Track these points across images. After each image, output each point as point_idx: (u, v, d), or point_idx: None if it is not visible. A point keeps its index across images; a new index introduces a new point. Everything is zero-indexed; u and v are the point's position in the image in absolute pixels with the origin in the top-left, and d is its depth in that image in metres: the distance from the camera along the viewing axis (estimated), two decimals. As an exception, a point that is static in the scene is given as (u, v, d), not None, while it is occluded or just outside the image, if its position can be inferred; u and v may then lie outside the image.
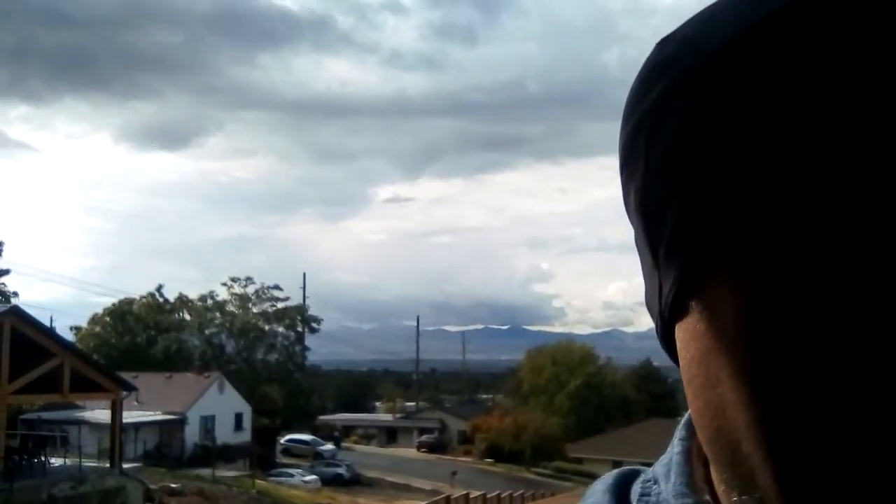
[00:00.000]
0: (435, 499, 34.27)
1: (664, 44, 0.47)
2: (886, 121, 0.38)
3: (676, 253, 0.46)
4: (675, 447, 0.53)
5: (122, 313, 60.48)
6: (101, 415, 33.82)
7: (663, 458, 0.55)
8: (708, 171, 0.43)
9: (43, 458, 27.58)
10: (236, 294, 60.53)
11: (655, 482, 0.54)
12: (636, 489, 0.55)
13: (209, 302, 60.75)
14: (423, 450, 66.53)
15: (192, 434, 46.10)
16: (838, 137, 0.39)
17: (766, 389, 0.41)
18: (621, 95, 0.50)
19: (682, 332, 0.47)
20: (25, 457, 27.56)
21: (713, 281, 0.44)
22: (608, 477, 0.59)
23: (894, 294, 0.38)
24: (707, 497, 0.48)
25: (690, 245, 0.44)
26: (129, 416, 35.98)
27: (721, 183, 0.42)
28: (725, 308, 0.43)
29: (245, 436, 49.54)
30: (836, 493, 0.40)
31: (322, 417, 72.29)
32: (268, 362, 58.72)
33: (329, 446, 57.45)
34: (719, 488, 0.47)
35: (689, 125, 0.44)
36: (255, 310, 59.84)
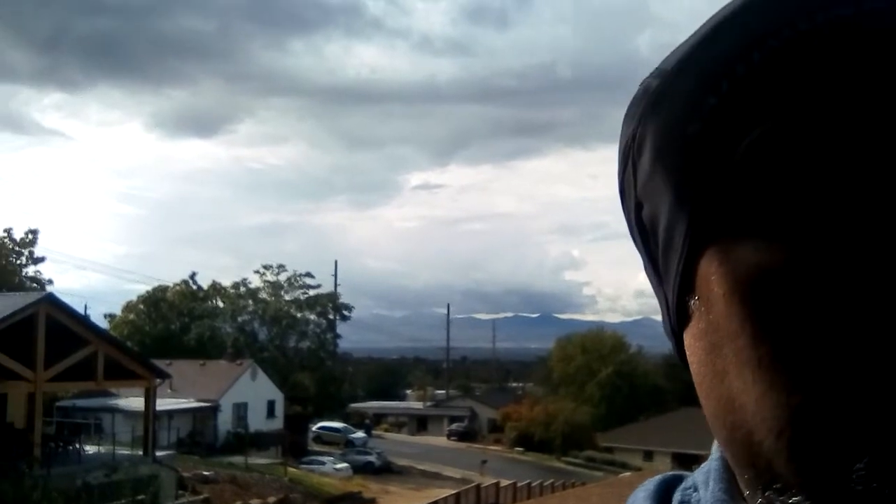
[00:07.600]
0: (465, 487, 34.24)
1: (644, 80, 0.50)
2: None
3: (668, 254, 0.48)
4: (713, 454, 0.52)
5: (155, 301, 60.92)
6: (135, 402, 34.10)
7: (703, 466, 0.54)
8: (687, 172, 0.45)
9: (77, 446, 27.95)
10: (269, 281, 60.70)
11: (695, 489, 0.54)
12: (677, 496, 0.55)
13: (242, 289, 61.00)
14: (453, 438, 66.61)
15: (224, 421, 46.36)
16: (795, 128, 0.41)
17: (766, 367, 0.41)
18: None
19: (688, 338, 0.48)
20: (61, 444, 27.94)
21: (704, 274, 0.45)
22: (650, 483, 0.59)
23: (859, 270, 0.39)
24: None
25: (681, 241, 0.46)
26: (163, 404, 36.22)
27: (700, 181, 0.44)
28: (716, 298, 0.44)
29: (277, 423, 49.77)
30: (850, 467, 0.39)
31: (353, 405, 72.45)
32: (300, 350, 58.86)
33: (360, 434, 57.66)
34: (744, 493, 0.47)
35: (662, 138, 0.47)
36: (287, 297, 59.96)
